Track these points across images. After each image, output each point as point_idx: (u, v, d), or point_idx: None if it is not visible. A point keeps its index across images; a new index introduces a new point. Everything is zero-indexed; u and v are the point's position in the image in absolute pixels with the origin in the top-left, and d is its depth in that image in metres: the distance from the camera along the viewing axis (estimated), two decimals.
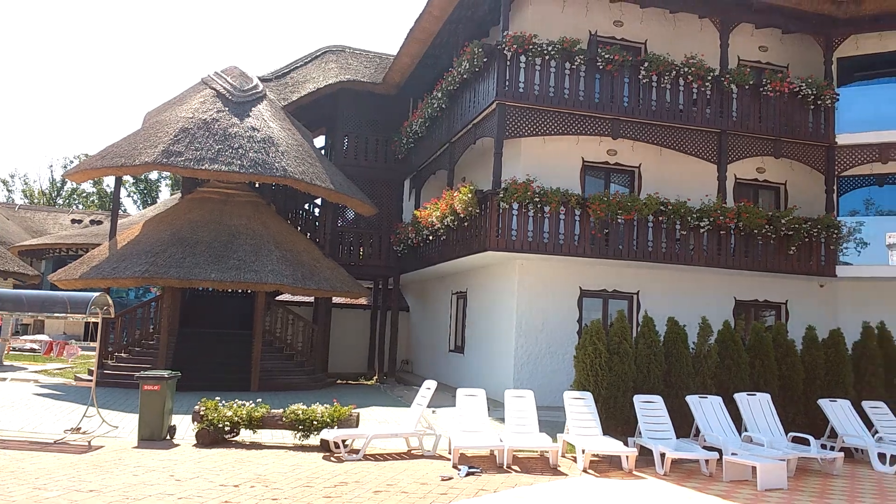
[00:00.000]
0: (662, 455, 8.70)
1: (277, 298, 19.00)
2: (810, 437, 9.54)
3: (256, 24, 74.18)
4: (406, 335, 21.36)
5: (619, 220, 13.21)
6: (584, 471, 8.63)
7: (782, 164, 15.48)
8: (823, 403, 10.51)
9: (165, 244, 15.27)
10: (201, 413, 9.48)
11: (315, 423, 9.39)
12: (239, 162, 15.31)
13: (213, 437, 9.40)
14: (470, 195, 13.19)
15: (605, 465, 9.01)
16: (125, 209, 45.01)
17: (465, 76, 14.57)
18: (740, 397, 10.16)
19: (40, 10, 69.32)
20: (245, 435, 9.84)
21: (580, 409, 9.57)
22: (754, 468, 8.19)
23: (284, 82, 20.19)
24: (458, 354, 16.60)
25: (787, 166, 15.57)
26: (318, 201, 19.80)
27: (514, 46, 12.96)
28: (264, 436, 9.93)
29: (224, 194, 17.10)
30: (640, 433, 9.50)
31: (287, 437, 9.82)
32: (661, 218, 13.48)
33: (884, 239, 15.42)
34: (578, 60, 13.39)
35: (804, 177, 15.58)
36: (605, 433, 9.44)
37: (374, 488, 7.35)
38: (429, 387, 10.11)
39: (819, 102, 14.73)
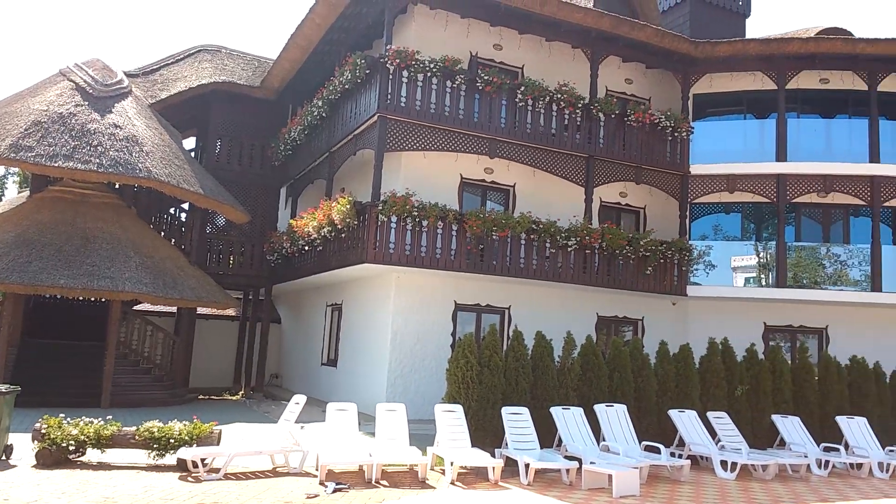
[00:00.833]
0: (527, 465, 8.96)
1: (136, 308, 17.80)
2: (661, 446, 10.18)
3: (122, 15, 69.87)
4: (276, 348, 20.72)
5: (494, 237, 13.55)
6: (452, 483, 8.71)
7: (643, 189, 16.56)
8: (673, 414, 11.27)
9: (8, 246, 13.91)
10: (42, 431, 8.66)
11: (172, 441, 8.83)
12: (97, 160, 14.27)
13: (55, 457, 8.60)
14: (349, 206, 13.05)
15: (472, 477, 9.13)
16: None
17: (347, 86, 14.45)
18: (600, 408, 10.68)
19: None
20: (93, 455, 9.08)
21: (451, 421, 9.66)
22: (610, 476, 8.61)
23: (153, 79, 19.09)
24: (331, 368, 16.30)
25: (647, 192, 16.68)
26: (186, 206, 18.84)
27: (397, 61, 13.03)
28: (115, 456, 9.21)
29: (79, 194, 15.84)
30: (506, 444, 9.74)
31: (141, 457, 9.16)
32: (532, 236, 13.98)
33: (729, 262, 16.91)
34: (459, 80, 13.67)
35: (661, 202, 16.75)
36: (474, 445, 9.59)
37: None
38: (297, 401, 9.83)
39: (676, 134, 15.92)
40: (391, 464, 9.22)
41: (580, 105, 14.74)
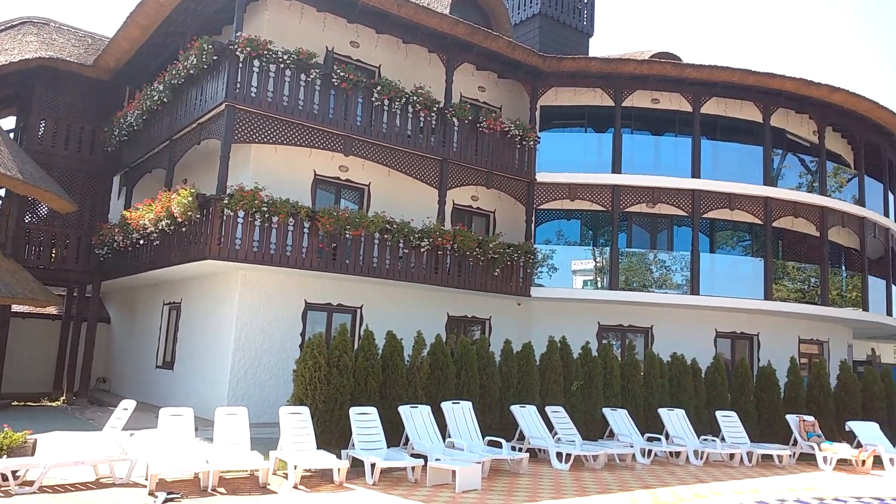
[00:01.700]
0: (373, 465, 8.92)
1: None
2: (503, 441, 10.55)
3: None
4: (105, 350, 19.10)
5: (348, 236, 13.38)
6: (295, 487, 8.46)
7: (493, 194, 17.13)
8: (515, 409, 11.73)
9: None
10: None
11: None
12: None
13: None
14: (190, 198, 12.30)
15: (317, 480, 8.94)
16: None
17: (192, 71, 13.63)
18: (446, 406, 10.88)
19: None
20: None
21: (296, 423, 9.40)
22: (454, 472, 8.78)
23: None
24: (168, 371, 15.28)
25: (497, 196, 17.28)
26: (2, 192, 16.86)
27: (248, 49, 12.49)
28: None
29: None
30: (353, 445, 9.64)
31: None
32: (386, 236, 13.97)
33: (570, 265, 17.94)
34: (314, 74, 13.36)
35: (510, 207, 17.42)
36: (321, 447, 9.40)
37: None
38: (126, 407, 9.11)
39: (524, 143, 16.63)
40: (230, 470, 8.80)
41: (435, 109, 14.97)
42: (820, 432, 13.51)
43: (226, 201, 12.04)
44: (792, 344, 18.84)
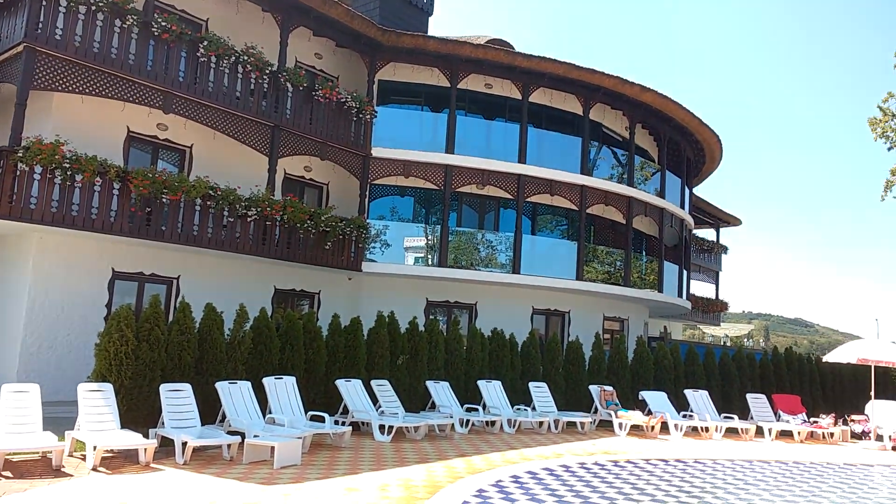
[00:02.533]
0: (184, 444, 8.46)
1: None
2: (326, 415, 10.47)
3: None
4: None
5: (165, 200, 12.46)
6: (95, 469, 7.79)
7: (327, 165, 16.81)
8: (340, 383, 11.69)
9: None
10: None
11: None
12: None
13: None
14: None
15: (120, 461, 8.30)
16: None
17: None
18: (268, 381, 10.57)
19: None
20: None
21: (96, 401, 8.63)
22: (273, 448, 8.58)
23: None
24: None
25: (331, 168, 16.98)
26: None
27: None
28: None
29: None
30: (163, 423, 9.06)
31: None
32: (209, 203, 13.20)
33: (402, 242, 18.13)
34: (131, 20, 12.19)
35: (344, 180, 17.21)
36: (126, 426, 8.71)
37: None
38: None
39: (361, 116, 16.46)
40: (18, 451, 7.90)
41: (268, 71, 14.33)
42: (617, 401, 14.91)
43: (20, 154, 10.69)
44: (598, 321, 20.57)
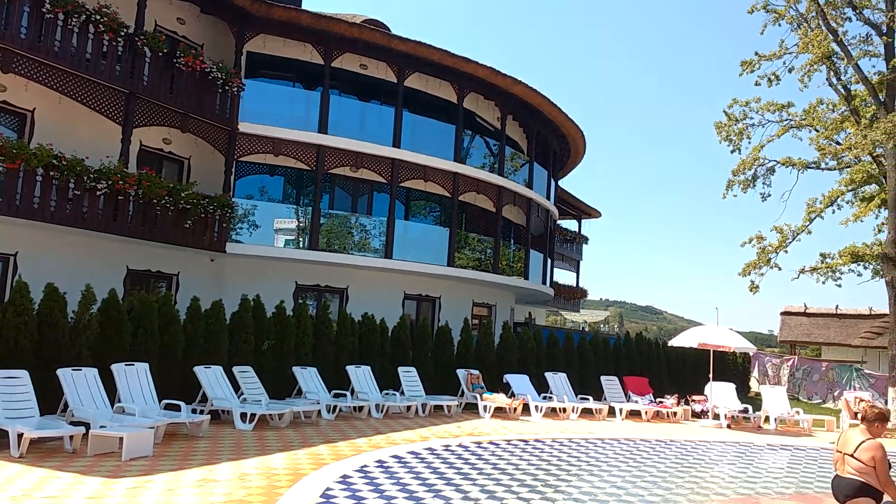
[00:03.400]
0: (20, 435, 7.69)
1: None
2: (182, 403, 9.90)
3: None
4: None
5: (1, 168, 11.19)
6: None
7: (189, 139, 15.83)
8: (198, 370, 11.10)
9: None
10: None
11: None
12: None
13: None
14: None
15: None
16: None
17: None
18: (118, 368, 9.83)
19: None
20: None
21: None
22: (121, 439, 7.99)
23: None
24: None
25: (193, 142, 16.02)
26: None
27: None
28: None
29: None
30: None
31: None
32: (53, 173, 12.00)
33: (272, 223, 17.49)
34: None
35: (208, 155, 16.29)
36: None
37: None
38: None
39: (227, 88, 15.62)
40: None
41: (123, 34, 13.21)
42: (483, 384, 15.30)
43: None
44: (467, 306, 20.99)
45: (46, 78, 12.28)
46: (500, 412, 14.52)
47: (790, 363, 26.75)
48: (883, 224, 20.29)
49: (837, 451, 6.15)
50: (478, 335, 17.16)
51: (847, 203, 21.78)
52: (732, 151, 21.51)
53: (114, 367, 9.81)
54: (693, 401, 17.29)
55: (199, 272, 16.07)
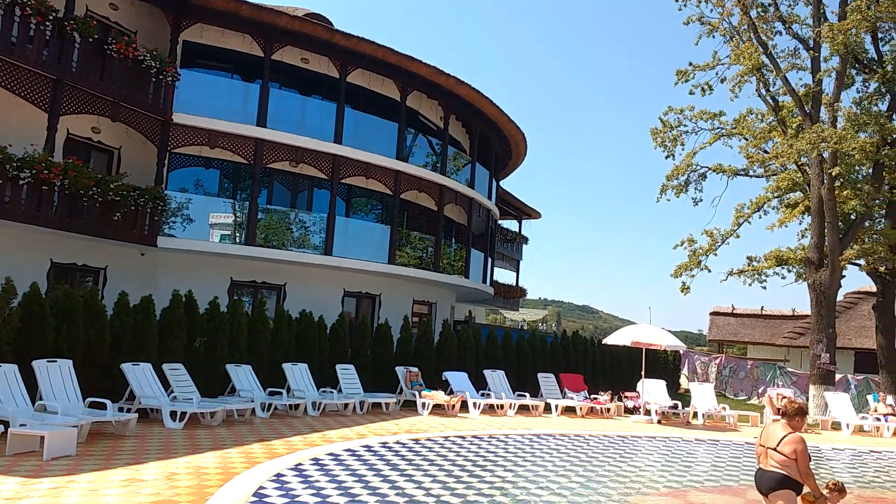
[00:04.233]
0: None
1: None
2: (108, 402, 9.52)
3: None
4: None
5: None
6: None
7: (119, 128, 15.24)
8: (126, 367, 10.70)
9: None
10: None
11: None
12: None
13: None
14: None
15: None
16: None
17: None
18: (39, 365, 9.38)
19: None
20: None
21: None
22: (42, 437, 7.63)
23: None
24: None
25: (124, 132, 15.43)
26: None
27: None
28: None
29: None
30: None
31: None
32: None
33: (207, 218, 17.01)
34: None
35: (139, 146, 15.71)
36: None
37: None
38: None
39: (161, 77, 15.10)
40: None
41: (52, 17, 12.60)
42: (422, 381, 15.30)
43: None
44: (407, 304, 20.95)
45: None
46: (438, 409, 14.55)
47: (718, 361, 27.80)
48: (806, 229, 21.33)
49: (760, 446, 6.39)
50: (418, 333, 17.14)
51: (773, 209, 22.83)
52: (667, 157, 22.22)
53: (35, 363, 9.35)
54: (626, 397, 17.75)
55: (129, 267, 15.50)
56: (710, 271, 21.97)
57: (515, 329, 34.98)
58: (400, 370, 15.23)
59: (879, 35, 19.96)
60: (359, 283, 19.39)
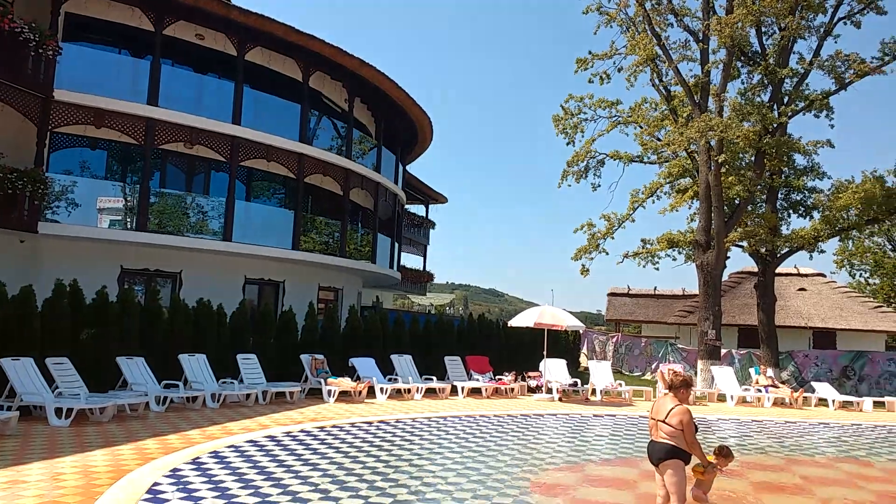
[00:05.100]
0: None
1: None
2: None
3: None
4: None
5: None
6: None
7: None
8: (4, 362, 9.92)
9: None
10: None
11: None
12: None
13: None
14: None
15: None
16: None
17: None
18: None
19: None
20: None
21: None
22: None
23: None
24: None
25: (0, 109, 14.23)
26: None
27: None
28: None
29: None
30: None
31: None
32: None
33: (95, 202, 16.00)
34: None
35: (16, 125, 14.54)
36: None
37: None
38: None
39: (41, 51, 14.01)
40: None
41: None
42: (328, 369, 15.08)
43: None
44: (313, 291, 20.59)
45: None
46: (345, 396, 14.41)
47: (615, 340, 29.07)
48: (695, 214, 22.52)
49: (651, 419, 6.71)
50: (323, 320, 16.88)
51: (665, 194, 23.97)
52: (568, 143, 22.84)
53: None
54: (529, 377, 18.24)
55: (7, 255, 14.36)
56: (608, 254, 22.90)
57: (423, 313, 35.19)
58: (305, 358, 14.95)
59: (763, 29, 21.24)
60: (261, 270, 18.85)
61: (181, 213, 17.19)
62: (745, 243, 21.37)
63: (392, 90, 21.39)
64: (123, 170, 17.85)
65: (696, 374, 20.06)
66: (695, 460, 6.64)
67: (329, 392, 14.01)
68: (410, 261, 37.53)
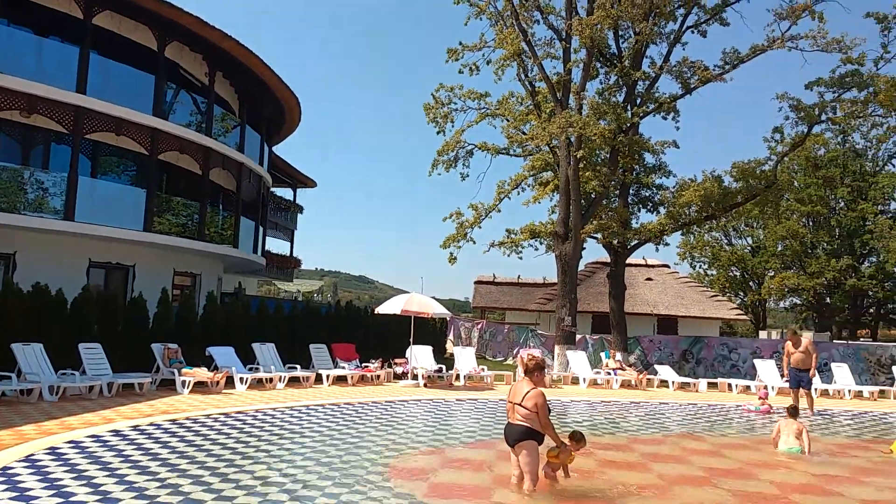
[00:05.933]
0: None
1: None
2: None
3: None
4: None
5: None
6: None
7: None
8: None
9: None
10: None
11: None
12: None
13: None
14: None
15: None
16: None
17: None
18: None
19: None
20: None
21: None
22: None
23: None
24: None
25: None
26: None
27: None
28: None
29: None
30: None
31: None
32: None
33: None
34: None
35: None
36: None
37: None
38: None
39: None
40: None
41: None
42: (182, 359, 14.31)
43: None
44: (168, 276, 19.43)
45: None
46: (201, 387, 13.75)
47: (480, 326, 29.91)
48: (555, 206, 23.56)
49: (509, 402, 6.95)
50: (179, 307, 15.97)
51: (529, 186, 24.88)
52: (438, 133, 23.07)
53: None
54: (395, 363, 18.33)
55: None
56: (475, 243, 23.43)
57: (289, 300, 34.30)
58: (156, 347, 14.08)
59: (620, 33, 22.51)
60: (108, 253, 17.51)
61: (16, 189, 15.56)
62: (599, 235, 22.65)
63: (257, 66, 20.56)
64: None
65: (553, 358, 21.06)
66: (549, 441, 6.95)
67: (183, 383, 13.31)
68: (277, 246, 36.43)
